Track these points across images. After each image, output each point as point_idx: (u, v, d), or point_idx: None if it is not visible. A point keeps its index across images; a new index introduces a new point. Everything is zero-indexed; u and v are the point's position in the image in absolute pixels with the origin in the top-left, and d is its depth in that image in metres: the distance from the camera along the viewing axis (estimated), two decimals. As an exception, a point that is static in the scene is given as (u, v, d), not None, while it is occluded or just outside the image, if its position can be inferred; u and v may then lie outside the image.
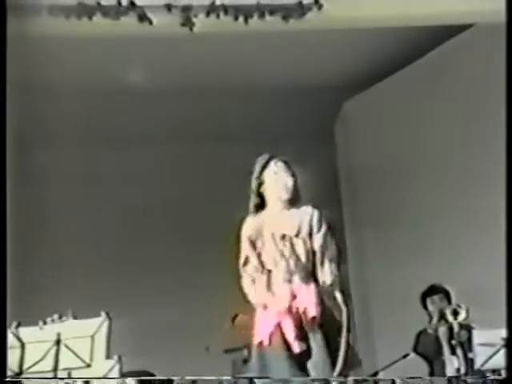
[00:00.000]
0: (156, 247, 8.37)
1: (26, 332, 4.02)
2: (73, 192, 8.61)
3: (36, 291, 7.45)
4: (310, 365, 3.49)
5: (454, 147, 7.21)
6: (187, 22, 5.39)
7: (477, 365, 4.57)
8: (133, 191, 8.72)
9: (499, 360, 4.35)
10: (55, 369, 3.91)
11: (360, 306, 7.69)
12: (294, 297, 3.59)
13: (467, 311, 5.14)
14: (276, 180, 3.75)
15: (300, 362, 3.49)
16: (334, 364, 3.45)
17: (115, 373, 3.96)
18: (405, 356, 5.55)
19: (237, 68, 7.64)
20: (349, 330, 3.53)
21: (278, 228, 3.69)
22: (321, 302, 3.57)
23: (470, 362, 4.82)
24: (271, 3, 5.42)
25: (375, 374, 5.55)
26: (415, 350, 5.55)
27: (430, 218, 7.24)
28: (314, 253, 3.66)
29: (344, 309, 3.57)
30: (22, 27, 5.12)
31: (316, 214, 3.71)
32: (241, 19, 5.42)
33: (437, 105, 7.46)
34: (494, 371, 4.51)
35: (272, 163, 3.80)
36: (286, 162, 3.81)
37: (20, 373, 3.92)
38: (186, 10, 5.38)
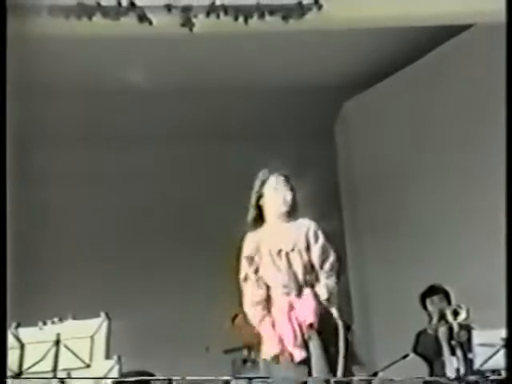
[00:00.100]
0: (156, 247, 8.37)
1: (25, 332, 4.02)
2: (73, 192, 8.61)
3: (36, 291, 7.45)
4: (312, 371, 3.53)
5: (454, 147, 7.21)
6: (187, 23, 5.39)
7: (476, 365, 4.56)
8: (133, 191, 8.71)
9: (499, 360, 4.34)
10: (55, 369, 3.91)
11: (360, 307, 7.69)
12: (292, 308, 3.62)
13: (467, 311, 5.13)
14: (275, 194, 3.82)
15: (302, 369, 3.51)
16: (333, 370, 3.48)
17: (115, 373, 3.97)
18: (404, 356, 5.55)
19: (237, 68, 7.64)
20: (347, 342, 3.55)
21: (275, 243, 3.73)
22: (318, 309, 3.60)
23: (469, 363, 4.81)
24: (271, 3, 5.42)
25: (375, 374, 5.54)
26: (415, 350, 5.55)
27: (430, 218, 7.24)
28: (311, 265, 3.70)
29: (340, 323, 3.60)
30: (21, 27, 5.11)
31: (313, 226, 3.76)
32: (241, 19, 5.41)
33: (437, 105, 7.46)
34: (493, 371, 4.50)
35: (272, 178, 3.85)
36: (285, 177, 3.87)
37: (20, 373, 3.92)
38: (186, 10, 5.38)
